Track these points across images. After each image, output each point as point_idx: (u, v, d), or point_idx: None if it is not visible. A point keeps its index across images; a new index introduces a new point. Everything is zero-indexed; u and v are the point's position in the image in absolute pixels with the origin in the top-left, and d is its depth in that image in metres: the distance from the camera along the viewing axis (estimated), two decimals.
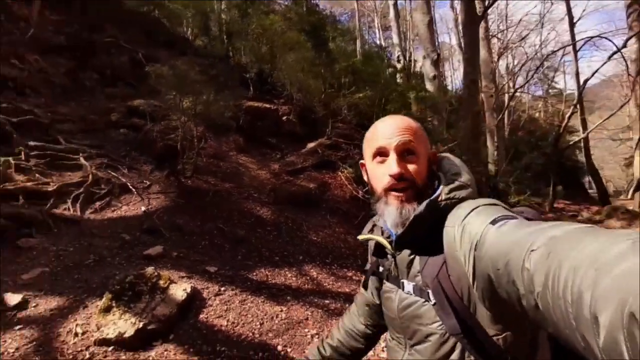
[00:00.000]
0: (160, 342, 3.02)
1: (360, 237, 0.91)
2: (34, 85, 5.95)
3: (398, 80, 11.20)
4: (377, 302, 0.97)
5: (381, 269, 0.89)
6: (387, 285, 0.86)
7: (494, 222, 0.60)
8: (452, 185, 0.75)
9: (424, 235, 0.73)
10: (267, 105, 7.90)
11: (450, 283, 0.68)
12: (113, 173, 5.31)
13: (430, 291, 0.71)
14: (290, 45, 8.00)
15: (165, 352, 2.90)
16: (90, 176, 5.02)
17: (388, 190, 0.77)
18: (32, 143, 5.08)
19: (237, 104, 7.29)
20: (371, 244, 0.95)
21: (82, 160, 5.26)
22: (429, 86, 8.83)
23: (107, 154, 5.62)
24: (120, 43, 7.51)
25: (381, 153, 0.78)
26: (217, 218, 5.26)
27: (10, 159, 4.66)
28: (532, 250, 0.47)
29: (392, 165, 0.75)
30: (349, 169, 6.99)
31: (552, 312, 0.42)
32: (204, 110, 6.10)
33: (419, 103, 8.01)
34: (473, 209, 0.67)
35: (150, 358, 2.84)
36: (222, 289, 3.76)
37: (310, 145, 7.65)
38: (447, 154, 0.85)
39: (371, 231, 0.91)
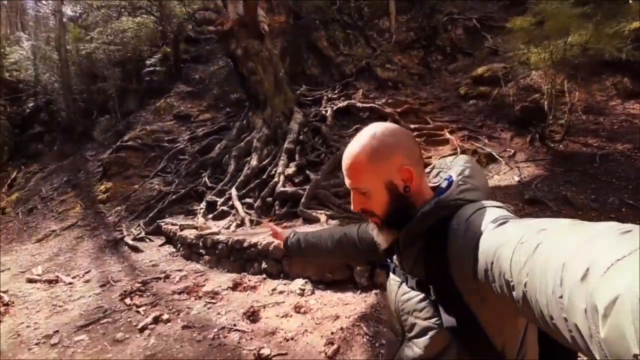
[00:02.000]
0: None
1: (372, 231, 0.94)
2: (401, 79, 7.50)
3: None
4: (361, 247, 1.08)
5: (388, 261, 0.88)
6: (393, 277, 0.86)
7: (495, 221, 0.60)
8: (463, 187, 0.73)
9: (431, 232, 0.72)
10: None
11: (452, 280, 0.66)
12: (476, 144, 5.59)
13: (431, 287, 0.71)
14: None
15: None
16: (458, 149, 5.57)
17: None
18: (412, 126, 6.40)
19: (619, 29, 5.22)
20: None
21: (447, 135, 5.95)
22: None
23: (464, 126, 6.01)
24: (454, 17, 7.72)
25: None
26: (618, 191, 4.09)
27: None
28: (522, 243, 0.49)
29: (351, 202, 0.80)
30: None
31: (539, 302, 0.43)
32: (578, 53, 4.85)
33: None
34: (478, 209, 0.66)
35: None
36: None
37: None
38: (464, 155, 0.83)
39: None
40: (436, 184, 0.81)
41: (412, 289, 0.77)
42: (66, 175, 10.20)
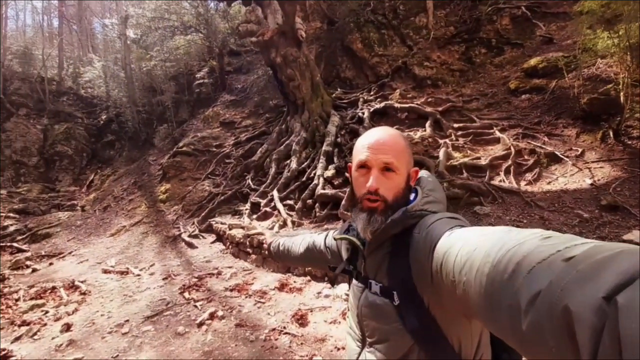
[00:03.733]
0: None
1: (336, 236, 0.89)
2: (441, 77, 6.63)
3: None
4: (325, 254, 1.02)
5: (351, 267, 0.84)
6: (355, 283, 0.81)
7: (450, 229, 0.60)
8: (427, 199, 0.73)
9: (395, 240, 0.71)
10: None
11: (414, 285, 0.65)
12: (533, 142, 4.67)
13: (395, 292, 0.68)
14: None
15: None
16: (511, 148, 4.69)
17: (364, 199, 0.73)
18: (455, 125, 5.59)
19: None
20: (345, 244, 0.90)
21: (498, 134, 5.07)
22: None
23: (518, 123, 5.08)
24: (500, 6, 6.65)
25: (365, 166, 0.74)
26: None
27: (447, 140, 5.34)
28: (464, 246, 0.50)
29: (371, 180, 0.72)
30: None
31: (475, 299, 0.44)
32: None
33: None
34: (437, 220, 0.66)
35: None
36: None
37: None
38: (426, 172, 0.82)
39: (347, 231, 0.87)
40: None
41: (376, 294, 0.73)
42: (133, 178, 10.71)
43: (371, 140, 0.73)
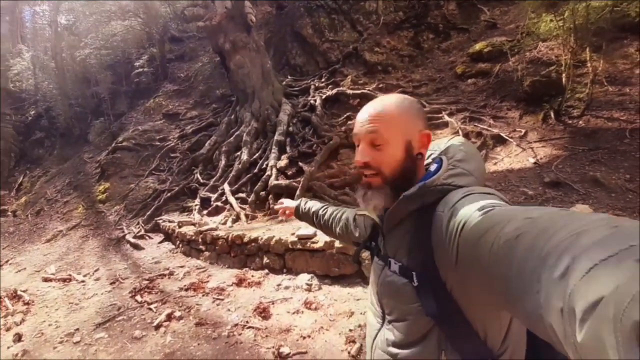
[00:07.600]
0: None
1: (358, 212, 0.86)
2: (391, 62, 6.30)
3: None
4: (355, 233, 0.93)
5: (373, 244, 0.77)
6: (377, 260, 0.75)
7: (481, 209, 0.48)
8: (452, 172, 0.60)
9: (416, 217, 0.61)
10: None
11: (436, 267, 0.56)
12: (479, 125, 4.45)
13: (415, 273, 0.60)
14: None
15: None
16: (459, 131, 4.44)
17: (361, 175, 0.67)
18: None
19: None
20: (368, 219, 0.81)
21: (446, 118, 4.81)
22: None
23: (465, 107, 4.86)
24: None
25: (357, 140, 0.67)
26: None
27: None
28: (503, 233, 0.40)
29: (357, 154, 0.66)
30: None
31: (516, 296, 0.36)
32: (597, 17, 3.67)
33: None
34: (465, 196, 0.54)
35: None
36: None
37: None
38: (459, 138, 0.70)
39: None
40: (426, 166, 0.66)
41: (395, 273, 0.65)
42: (67, 178, 9.45)
43: (362, 113, 0.66)
